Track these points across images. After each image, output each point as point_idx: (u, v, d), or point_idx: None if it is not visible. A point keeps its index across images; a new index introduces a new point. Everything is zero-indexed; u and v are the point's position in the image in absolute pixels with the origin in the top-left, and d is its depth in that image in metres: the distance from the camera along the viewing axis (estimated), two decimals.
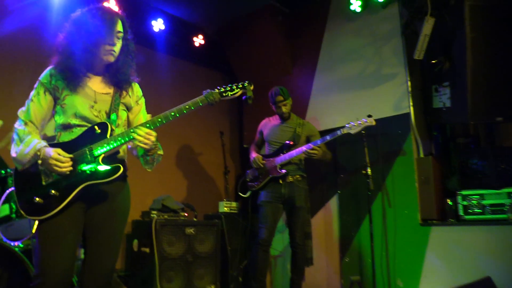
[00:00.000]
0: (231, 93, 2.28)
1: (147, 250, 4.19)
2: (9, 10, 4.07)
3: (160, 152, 2.26)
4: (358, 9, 4.90)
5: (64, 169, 1.99)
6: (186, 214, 4.66)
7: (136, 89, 2.38)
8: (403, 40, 4.55)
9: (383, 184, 4.49)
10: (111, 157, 2.15)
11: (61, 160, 1.99)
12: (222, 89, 2.27)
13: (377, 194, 4.51)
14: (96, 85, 2.21)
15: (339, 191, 4.91)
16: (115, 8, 4.70)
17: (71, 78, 2.12)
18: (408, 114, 4.42)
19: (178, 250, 4.31)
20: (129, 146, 2.35)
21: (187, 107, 2.18)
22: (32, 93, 2.16)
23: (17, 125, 2.13)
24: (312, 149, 4.01)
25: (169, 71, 5.55)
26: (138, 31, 5.12)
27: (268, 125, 4.47)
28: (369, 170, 4.08)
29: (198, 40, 5.71)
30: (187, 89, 5.60)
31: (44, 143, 2.05)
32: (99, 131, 2.10)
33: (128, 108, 2.33)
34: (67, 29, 2.17)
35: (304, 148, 4.05)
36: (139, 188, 4.96)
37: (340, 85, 5.11)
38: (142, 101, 2.41)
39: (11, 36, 4.04)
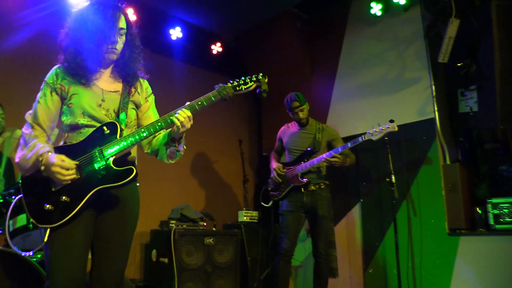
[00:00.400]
0: (245, 86, 2.20)
1: (166, 260, 4.13)
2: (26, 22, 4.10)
3: (184, 146, 2.19)
4: (379, 13, 4.81)
5: (67, 178, 1.90)
6: (205, 224, 4.60)
7: (145, 85, 2.31)
8: (426, 43, 4.43)
9: (407, 192, 4.34)
10: (122, 159, 2.05)
11: (65, 167, 1.89)
12: (235, 83, 2.18)
13: (402, 203, 4.36)
14: (103, 83, 2.14)
15: (361, 200, 4.77)
16: (132, 16, 4.75)
17: (78, 74, 2.06)
18: (433, 119, 4.28)
19: (197, 260, 4.23)
20: (143, 148, 2.29)
21: (199, 103, 2.10)
22: (39, 95, 2.10)
23: (24, 128, 2.06)
24: (333, 156, 3.90)
25: (187, 79, 5.53)
26: (156, 39, 5.24)
27: (287, 132, 4.38)
28: (393, 178, 3.94)
29: (216, 48, 5.69)
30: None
31: (47, 147, 1.96)
32: (108, 131, 2.02)
33: (137, 106, 2.24)
34: (69, 26, 2.10)
35: (324, 156, 3.94)
36: (158, 197, 4.94)
37: (361, 91, 5.00)
38: (152, 98, 2.33)
39: (27, 42, 4.08)
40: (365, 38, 5.06)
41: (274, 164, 4.32)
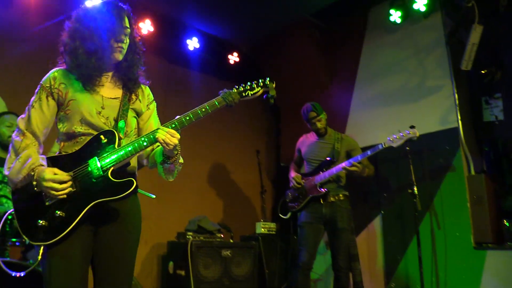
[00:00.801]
0: (252, 92, 2.03)
1: (183, 272, 4.08)
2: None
3: (181, 160, 2.03)
4: (398, 20, 4.73)
5: (61, 193, 1.76)
6: (222, 236, 4.54)
7: (147, 92, 2.18)
8: (448, 50, 4.34)
9: (431, 204, 4.21)
10: (121, 170, 1.91)
11: (58, 181, 1.76)
12: (241, 88, 2.03)
13: (425, 215, 4.23)
14: (104, 89, 2.01)
15: (382, 211, 4.65)
16: (150, 27, 4.77)
17: (84, 77, 1.93)
18: (456, 128, 4.17)
19: (214, 273, 4.17)
20: (144, 161, 2.16)
21: (203, 110, 1.94)
22: (33, 98, 1.94)
23: (15, 135, 1.90)
24: (352, 165, 3.80)
25: (204, 89, 5.51)
26: (173, 50, 5.24)
27: (306, 142, 4.30)
28: (415, 189, 3.82)
29: (233, 58, 5.67)
30: (223, 107, 5.53)
31: (40, 160, 1.82)
32: (105, 140, 1.87)
33: (138, 114, 2.11)
34: (71, 27, 1.96)
35: (343, 164, 3.85)
36: (175, 209, 4.91)
37: (381, 99, 4.91)
38: (154, 105, 2.19)
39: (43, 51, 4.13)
40: (384, 46, 4.98)
41: (293, 173, 4.25)
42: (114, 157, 1.84)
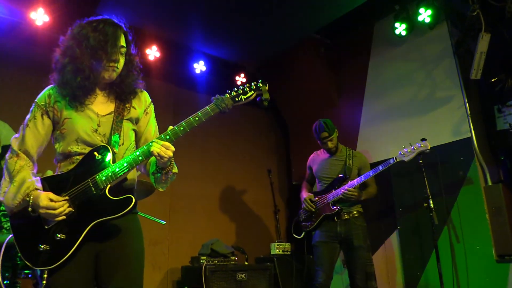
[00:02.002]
0: (244, 96, 1.95)
1: None
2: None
3: (175, 170, 1.98)
4: (404, 33, 4.71)
5: (59, 218, 1.74)
6: (236, 258, 4.47)
7: (144, 96, 2.11)
8: (456, 60, 4.29)
9: (448, 217, 4.11)
10: (118, 186, 1.87)
11: (53, 207, 1.72)
12: (234, 93, 1.95)
13: (443, 229, 4.13)
14: (98, 105, 1.96)
15: (399, 227, 4.54)
16: (156, 53, 4.82)
17: (74, 95, 1.88)
18: (470, 139, 4.09)
19: None
20: (142, 169, 2.11)
21: (197, 118, 1.89)
22: (28, 117, 1.91)
23: (8, 156, 1.86)
24: (347, 191, 3.77)
25: None
26: (180, 74, 5.28)
27: (317, 160, 4.24)
28: (431, 203, 3.73)
29: (240, 79, 5.68)
30: (232, 127, 5.54)
31: (35, 183, 1.79)
32: (99, 157, 1.83)
33: (136, 121, 2.05)
34: (66, 43, 1.92)
35: (342, 190, 3.80)
36: (187, 233, 4.86)
37: (391, 113, 4.86)
38: (151, 108, 2.13)
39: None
40: (391, 60, 4.96)
41: (305, 194, 4.18)
42: (109, 174, 1.80)
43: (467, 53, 4.11)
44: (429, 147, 3.60)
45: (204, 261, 4.22)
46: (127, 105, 2.00)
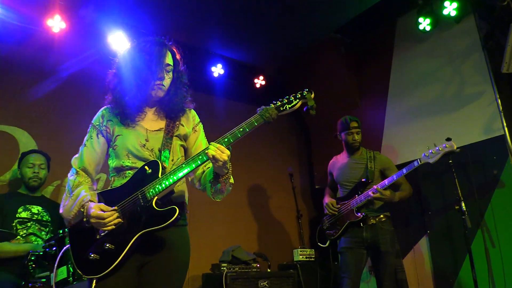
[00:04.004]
0: (289, 105, 1.98)
1: None
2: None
3: (231, 180, 2.02)
4: (428, 28, 4.53)
5: (108, 227, 1.84)
6: (258, 265, 4.33)
7: (193, 115, 2.20)
8: (485, 54, 4.12)
9: (482, 221, 3.90)
10: (165, 199, 1.93)
11: (102, 217, 1.82)
12: (279, 103, 1.98)
13: (476, 233, 3.91)
14: (148, 122, 2.08)
15: (428, 231, 4.33)
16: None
17: (124, 114, 2.03)
18: (503, 136, 3.89)
19: None
20: (196, 184, 2.17)
21: (241, 130, 1.91)
22: (86, 137, 2.09)
23: (69, 174, 2.04)
24: (377, 192, 3.56)
25: (231, 115, 5.42)
26: (197, 78, 5.20)
27: (336, 165, 4.07)
28: (463, 205, 3.51)
29: (259, 81, 5.59)
30: (252, 130, 5.42)
31: (89, 196, 1.91)
32: (149, 171, 1.92)
33: (185, 138, 2.15)
34: (116, 65, 2.10)
35: (369, 193, 3.61)
36: (208, 239, 4.76)
37: (417, 112, 4.67)
38: (200, 127, 2.22)
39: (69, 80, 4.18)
40: (415, 57, 4.79)
41: (327, 199, 4.02)
42: (157, 187, 1.87)
43: (497, 46, 3.93)
44: (455, 147, 3.39)
45: (225, 268, 4.12)
46: (176, 123, 2.11)
